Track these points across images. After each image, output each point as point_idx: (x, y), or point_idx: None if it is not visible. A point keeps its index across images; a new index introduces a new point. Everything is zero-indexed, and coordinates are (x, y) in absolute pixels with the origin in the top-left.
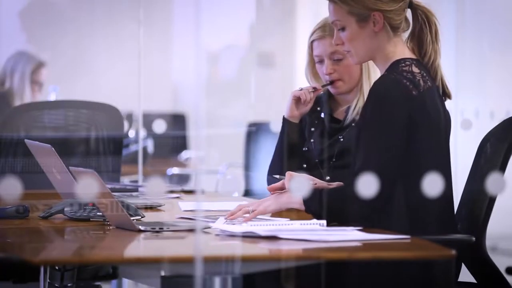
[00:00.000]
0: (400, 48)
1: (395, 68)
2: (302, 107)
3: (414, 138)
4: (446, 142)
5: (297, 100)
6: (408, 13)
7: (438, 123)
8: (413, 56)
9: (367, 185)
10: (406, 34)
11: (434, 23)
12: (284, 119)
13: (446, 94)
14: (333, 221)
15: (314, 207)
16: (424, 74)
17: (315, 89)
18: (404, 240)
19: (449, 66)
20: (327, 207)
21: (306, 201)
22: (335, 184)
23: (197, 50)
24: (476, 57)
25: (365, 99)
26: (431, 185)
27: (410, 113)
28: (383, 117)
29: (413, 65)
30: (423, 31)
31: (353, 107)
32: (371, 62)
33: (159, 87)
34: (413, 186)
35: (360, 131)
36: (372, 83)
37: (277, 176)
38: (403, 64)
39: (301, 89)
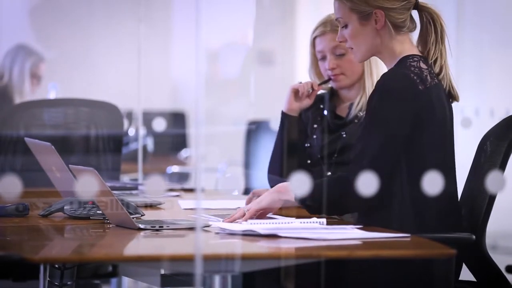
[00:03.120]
0: (408, 46)
1: (403, 63)
2: (301, 100)
3: (419, 134)
4: (450, 138)
5: (296, 93)
6: (416, 14)
7: (444, 119)
8: (421, 54)
9: (363, 179)
10: (416, 35)
11: (440, 23)
12: (282, 113)
13: (452, 96)
14: (325, 214)
15: (305, 198)
16: (432, 71)
17: (312, 88)
18: (404, 238)
19: (449, 64)
20: (320, 198)
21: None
22: None
23: (197, 48)
24: (476, 55)
25: (369, 94)
26: (436, 181)
27: (416, 110)
28: (388, 109)
29: (421, 61)
30: (428, 31)
31: (356, 104)
32: (373, 59)
33: (159, 85)
34: (417, 183)
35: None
36: (374, 80)
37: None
38: (411, 60)
39: (300, 83)
